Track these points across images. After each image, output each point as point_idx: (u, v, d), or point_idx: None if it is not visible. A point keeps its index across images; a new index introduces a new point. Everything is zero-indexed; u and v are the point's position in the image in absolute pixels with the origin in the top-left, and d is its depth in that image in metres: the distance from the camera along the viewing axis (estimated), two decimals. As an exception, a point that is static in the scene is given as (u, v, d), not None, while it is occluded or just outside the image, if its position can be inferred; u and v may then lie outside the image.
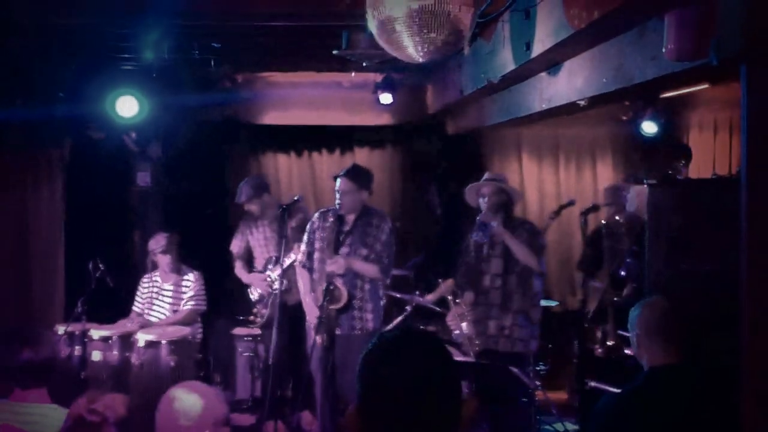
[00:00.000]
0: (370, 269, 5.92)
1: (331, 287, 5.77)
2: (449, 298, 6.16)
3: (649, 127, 7.65)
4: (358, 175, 6.01)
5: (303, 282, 6.14)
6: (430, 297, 6.47)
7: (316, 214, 6.21)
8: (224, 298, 7.67)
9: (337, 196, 5.96)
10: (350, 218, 6.02)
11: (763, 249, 2.18)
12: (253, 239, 7.27)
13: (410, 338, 1.86)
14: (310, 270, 6.09)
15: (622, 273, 6.73)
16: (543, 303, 6.83)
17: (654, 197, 4.37)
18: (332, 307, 5.79)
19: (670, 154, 7.88)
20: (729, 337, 3.59)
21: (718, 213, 3.95)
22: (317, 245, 6.05)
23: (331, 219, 6.04)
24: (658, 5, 3.27)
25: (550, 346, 6.95)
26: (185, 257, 7.05)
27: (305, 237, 6.17)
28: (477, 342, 5.83)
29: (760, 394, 2.27)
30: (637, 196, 6.27)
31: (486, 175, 6.20)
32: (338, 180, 5.99)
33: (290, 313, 6.60)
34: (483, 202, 5.95)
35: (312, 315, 5.96)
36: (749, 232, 2.17)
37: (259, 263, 7.24)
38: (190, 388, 3.08)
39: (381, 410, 1.76)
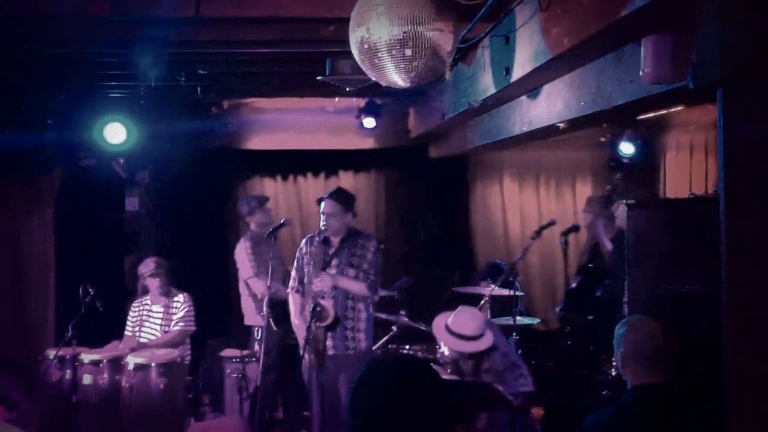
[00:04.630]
0: (357, 287, 6.00)
1: (318, 308, 5.84)
2: None
3: (626, 149, 7.79)
4: (342, 197, 6.11)
5: (294, 305, 6.22)
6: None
7: (303, 240, 6.28)
8: (213, 320, 7.72)
9: (323, 218, 6.04)
10: (336, 240, 6.09)
11: (743, 269, 2.24)
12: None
13: (401, 366, 1.89)
14: (302, 294, 6.18)
15: (571, 286, 6.92)
16: (526, 321, 6.99)
17: (634, 217, 4.45)
18: (320, 325, 5.87)
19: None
20: (711, 357, 3.68)
21: (698, 232, 4.03)
22: (306, 270, 6.14)
23: (318, 242, 6.13)
24: (636, 31, 3.38)
25: (533, 362, 7.04)
26: (175, 280, 7.11)
27: (294, 263, 6.26)
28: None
29: (745, 414, 2.33)
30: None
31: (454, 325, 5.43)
32: (323, 203, 6.08)
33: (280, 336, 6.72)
34: None
35: (302, 336, 6.04)
36: (729, 252, 2.25)
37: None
38: None
39: None
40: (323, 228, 6.04)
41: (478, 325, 5.38)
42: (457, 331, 5.34)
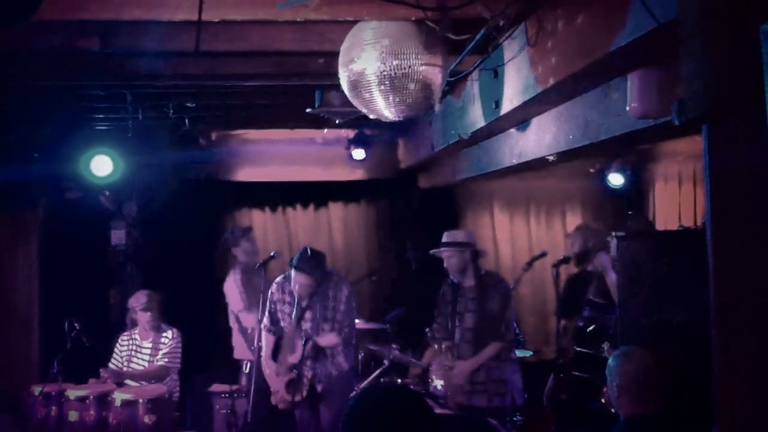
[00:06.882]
0: (330, 339, 6.09)
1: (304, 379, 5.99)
2: (435, 347, 6.18)
3: (615, 179, 7.79)
4: (313, 269, 6.05)
5: (266, 346, 6.22)
6: (423, 361, 6.42)
7: (274, 285, 6.31)
8: (201, 354, 7.65)
9: (296, 287, 6.06)
10: None
11: (731, 302, 2.24)
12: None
13: (390, 397, 1.89)
14: (274, 334, 6.24)
15: (579, 323, 6.84)
16: (519, 353, 6.91)
17: (626, 249, 4.45)
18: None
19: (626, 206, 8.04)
20: (703, 387, 3.66)
21: (689, 264, 4.02)
22: (279, 316, 6.22)
23: (288, 292, 6.16)
24: (622, 66, 3.39)
25: (525, 396, 6.99)
26: (164, 315, 7.04)
27: (267, 303, 6.27)
28: (458, 398, 5.85)
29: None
30: None
31: (444, 237, 6.20)
32: (295, 272, 6.06)
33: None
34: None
35: (273, 384, 6.13)
36: (716, 285, 2.25)
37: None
38: None
39: None
40: (296, 293, 6.09)
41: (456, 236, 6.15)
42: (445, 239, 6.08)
